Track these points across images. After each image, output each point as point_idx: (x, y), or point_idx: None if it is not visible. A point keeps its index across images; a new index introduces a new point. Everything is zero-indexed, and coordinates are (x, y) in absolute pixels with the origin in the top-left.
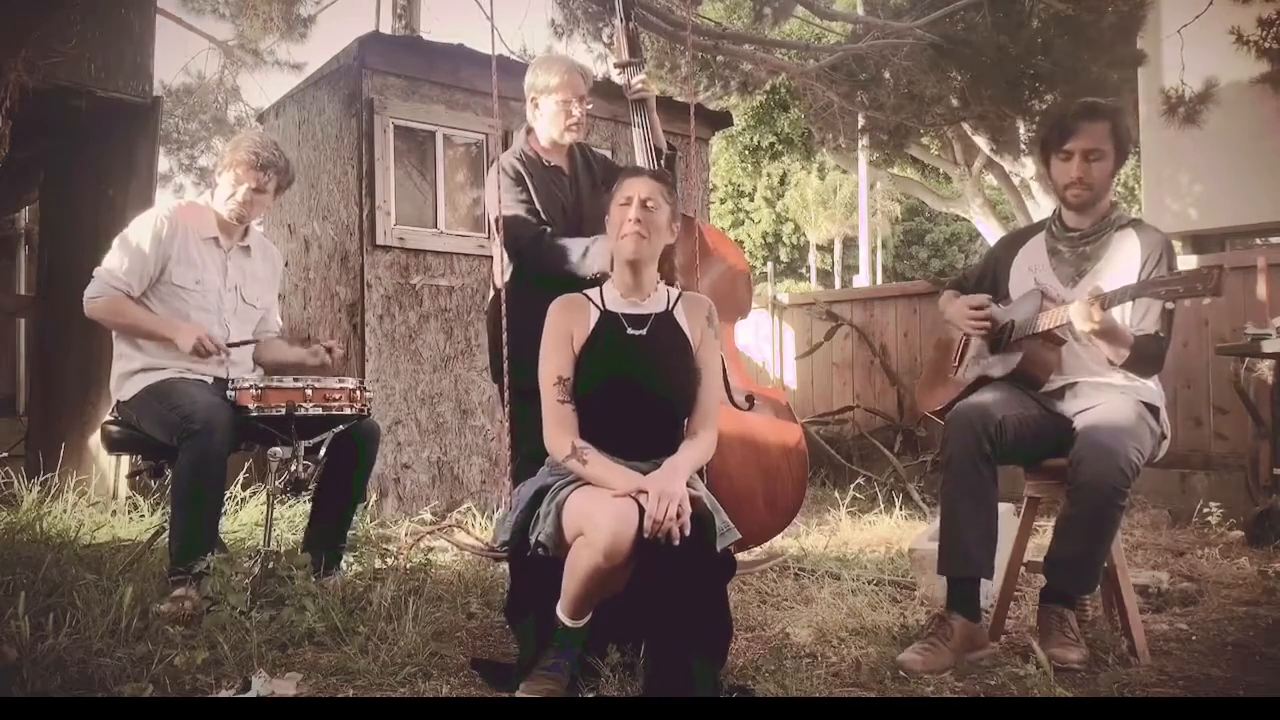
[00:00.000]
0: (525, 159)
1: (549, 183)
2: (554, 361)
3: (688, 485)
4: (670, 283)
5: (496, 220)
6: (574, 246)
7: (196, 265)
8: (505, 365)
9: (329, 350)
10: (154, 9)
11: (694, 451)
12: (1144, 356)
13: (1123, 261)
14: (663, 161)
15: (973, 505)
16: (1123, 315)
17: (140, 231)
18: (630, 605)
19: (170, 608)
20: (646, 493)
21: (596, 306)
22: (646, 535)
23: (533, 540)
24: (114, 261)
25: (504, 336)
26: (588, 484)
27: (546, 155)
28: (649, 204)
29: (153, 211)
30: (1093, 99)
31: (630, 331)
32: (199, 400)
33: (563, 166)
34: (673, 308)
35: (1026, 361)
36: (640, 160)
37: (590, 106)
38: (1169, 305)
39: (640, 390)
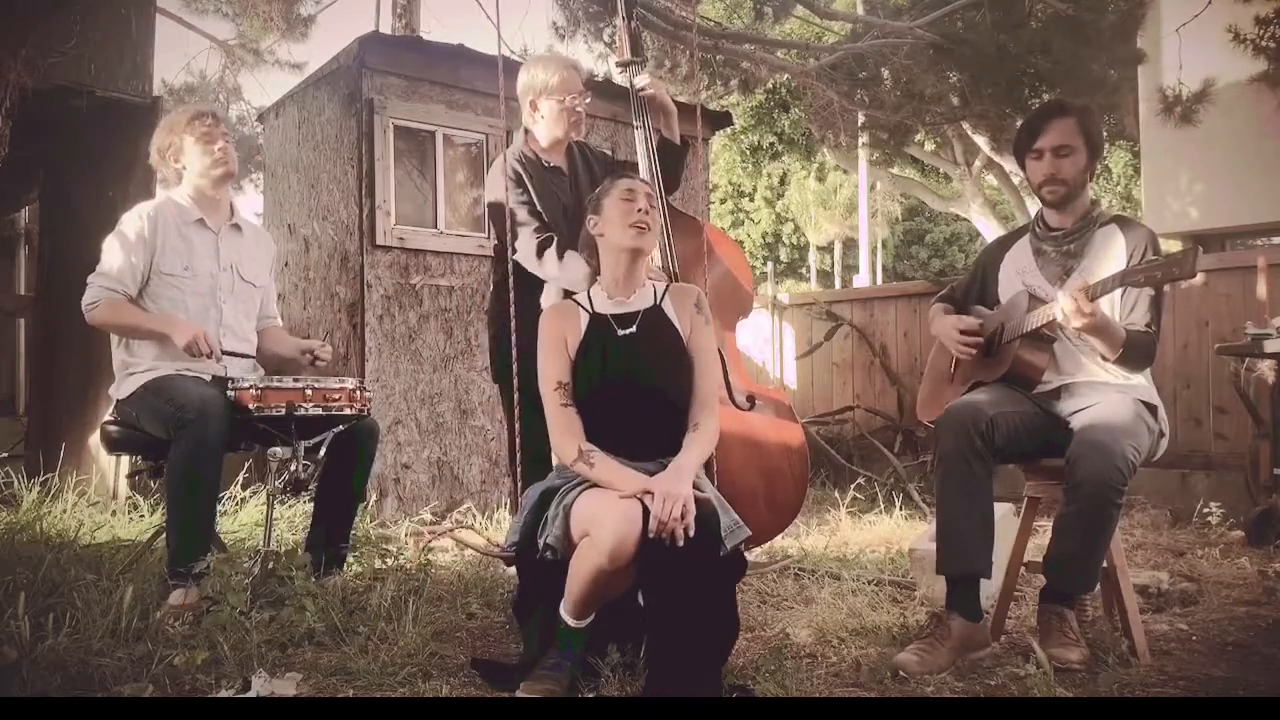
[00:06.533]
0: (524, 160)
1: (549, 183)
2: (552, 367)
3: (695, 486)
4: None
5: (509, 213)
6: (576, 264)
7: (182, 252)
8: (514, 366)
9: (314, 358)
10: (154, 9)
11: (698, 447)
12: (1136, 350)
13: (1110, 257)
14: (662, 162)
15: (967, 503)
16: (1112, 309)
17: (124, 232)
18: (631, 605)
19: (168, 613)
20: (652, 494)
21: (586, 311)
22: (651, 535)
23: (541, 543)
24: (105, 266)
25: (504, 335)
26: (595, 486)
27: (546, 156)
28: (651, 201)
29: (134, 210)
30: (1059, 98)
31: (621, 332)
32: (193, 392)
33: (562, 167)
34: (660, 301)
35: (1018, 363)
36: (642, 160)
37: (589, 101)
38: (1151, 292)
39: (637, 389)
